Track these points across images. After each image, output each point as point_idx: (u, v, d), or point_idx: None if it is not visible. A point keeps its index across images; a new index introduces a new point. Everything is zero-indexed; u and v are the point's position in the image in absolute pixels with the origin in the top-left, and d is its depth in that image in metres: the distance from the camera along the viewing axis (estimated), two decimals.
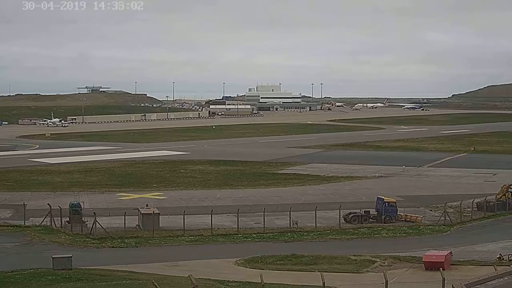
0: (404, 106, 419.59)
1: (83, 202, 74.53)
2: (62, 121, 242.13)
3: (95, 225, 61.37)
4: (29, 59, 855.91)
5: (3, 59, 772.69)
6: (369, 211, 71.31)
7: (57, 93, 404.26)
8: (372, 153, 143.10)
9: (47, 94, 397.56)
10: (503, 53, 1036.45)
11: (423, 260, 47.86)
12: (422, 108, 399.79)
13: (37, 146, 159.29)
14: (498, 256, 51.93)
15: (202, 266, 48.74)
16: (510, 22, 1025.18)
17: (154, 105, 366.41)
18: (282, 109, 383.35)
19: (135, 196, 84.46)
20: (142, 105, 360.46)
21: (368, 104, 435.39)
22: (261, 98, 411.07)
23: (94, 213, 62.91)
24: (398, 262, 50.04)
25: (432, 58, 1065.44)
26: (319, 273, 34.61)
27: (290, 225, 66.16)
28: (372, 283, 40.84)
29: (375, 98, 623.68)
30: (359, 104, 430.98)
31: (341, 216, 68.22)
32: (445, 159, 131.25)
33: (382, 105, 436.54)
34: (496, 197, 77.74)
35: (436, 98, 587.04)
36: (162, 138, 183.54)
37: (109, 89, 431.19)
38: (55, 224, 64.89)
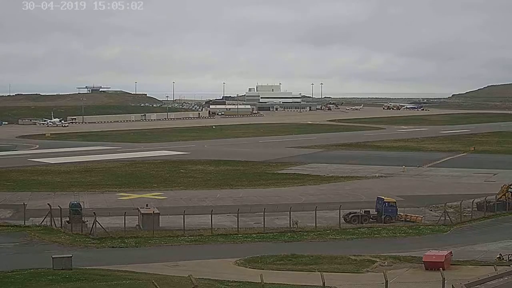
0: (404, 106, 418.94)
1: (83, 202, 74.57)
2: (62, 121, 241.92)
3: (95, 225, 61.38)
4: (29, 59, 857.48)
5: (3, 59, 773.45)
6: (369, 211, 71.33)
7: (57, 93, 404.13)
8: (372, 153, 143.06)
9: (47, 94, 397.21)
10: None
11: (423, 260, 47.85)
12: (422, 108, 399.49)
13: (37, 146, 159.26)
14: (498, 256, 51.95)
15: (202, 266, 48.75)
16: None
17: (154, 105, 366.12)
18: (282, 109, 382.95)
19: (135, 196, 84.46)
20: (142, 105, 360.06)
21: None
22: (261, 98, 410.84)
23: (94, 213, 62.93)
24: (398, 262, 50.04)
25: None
26: (319, 273, 34.62)
27: (290, 225, 66.14)
28: (372, 283, 40.83)
29: (376, 98, 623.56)
30: (356, 106, 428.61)
31: (341, 216, 68.24)
32: (445, 159, 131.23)
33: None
34: (496, 197, 77.72)
35: (436, 98, 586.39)
36: (162, 138, 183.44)
37: (109, 89, 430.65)
38: (55, 224, 64.89)
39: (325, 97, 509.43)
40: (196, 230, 63.83)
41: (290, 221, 66.45)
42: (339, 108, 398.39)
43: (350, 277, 44.47)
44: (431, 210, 75.96)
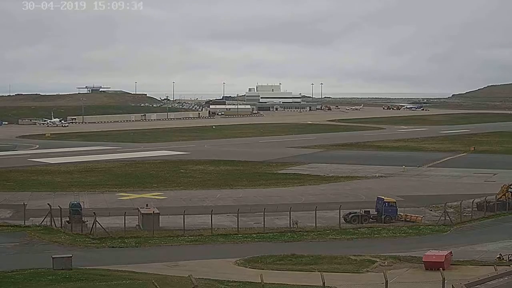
0: (404, 106, 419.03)
1: (83, 202, 74.52)
2: (62, 121, 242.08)
3: (95, 225, 61.36)
4: (29, 59, 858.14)
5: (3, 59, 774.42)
6: (369, 211, 71.30)
7: (57, 93, 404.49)
8: (372, 153, 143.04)
9: (47, 94, 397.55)
10: None
11: (423, 260, 47.84)
12: (422, 108, 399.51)
13: (37, 146, 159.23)
14: (498, 256, 51.93)
15: (202, 266, 48.75)
16: None
17: (154, 105, 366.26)
18: (282, 109, 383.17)
19: (135, 196, 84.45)
20: (142, 105, 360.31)
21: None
22: (261, 98, 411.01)
23: (94, 213, 62.92)
24: (398, 262, 50.03)
25: None
26: (319, 273, 34.63)
27: (290, 225, 66.14)
28: (372, 283, 40.78)
29: (376, 98, 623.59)
30: (356, 106, 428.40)
31: (341, 216, 68.22)
32: (445, 159, 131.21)
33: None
34: (496, 197, 77.70)
35: (436, 98, 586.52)
36: (162, 138, 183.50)
37: (109, 89, 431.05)
38: (55, 224, 64.88)
39: (325, 97, 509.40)
40: (196, 230, 63.80)
41: (290, 221, 66.45)
42: (339, 108, 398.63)
43: (350, 277, 44.46)
44: (431, 210, 75.93)
